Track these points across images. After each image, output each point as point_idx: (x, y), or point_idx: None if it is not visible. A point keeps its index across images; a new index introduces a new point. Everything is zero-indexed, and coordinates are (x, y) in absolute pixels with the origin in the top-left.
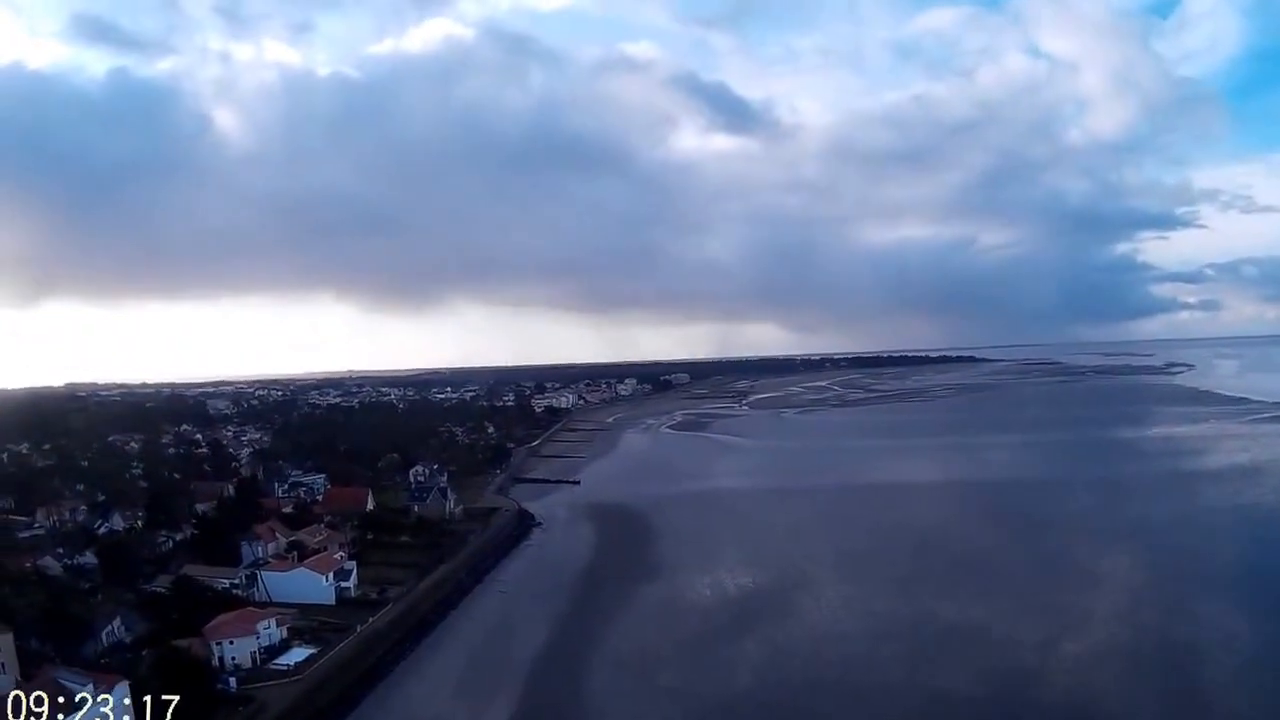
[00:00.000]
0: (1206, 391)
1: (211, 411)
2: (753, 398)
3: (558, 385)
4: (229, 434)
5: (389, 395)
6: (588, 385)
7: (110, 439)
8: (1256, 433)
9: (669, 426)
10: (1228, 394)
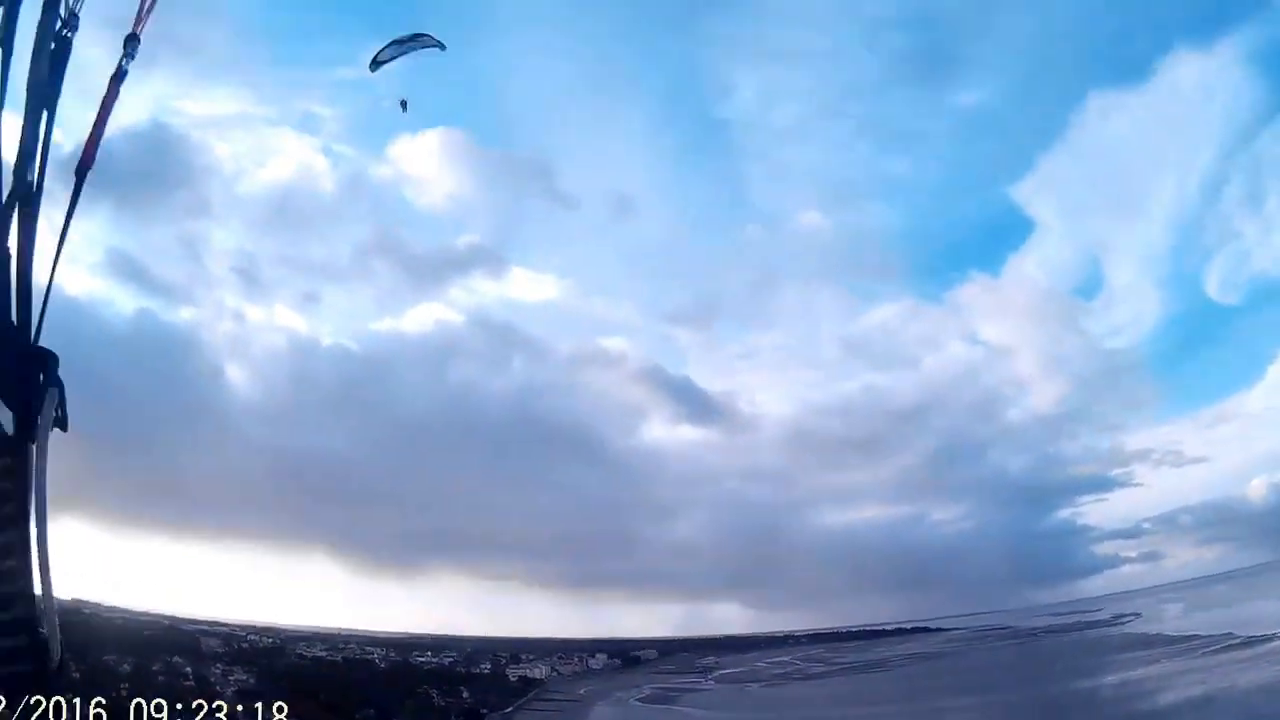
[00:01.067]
0: (1155, 635)
1: (204, 648)
2: (719, 673)
3: (532, 656)
4: (217, 671)
5: (372, 654)
6: (560, 658)
7: (105, 657)
8: (1207, 665)
9: (639, 699)
10: (1175, 634)
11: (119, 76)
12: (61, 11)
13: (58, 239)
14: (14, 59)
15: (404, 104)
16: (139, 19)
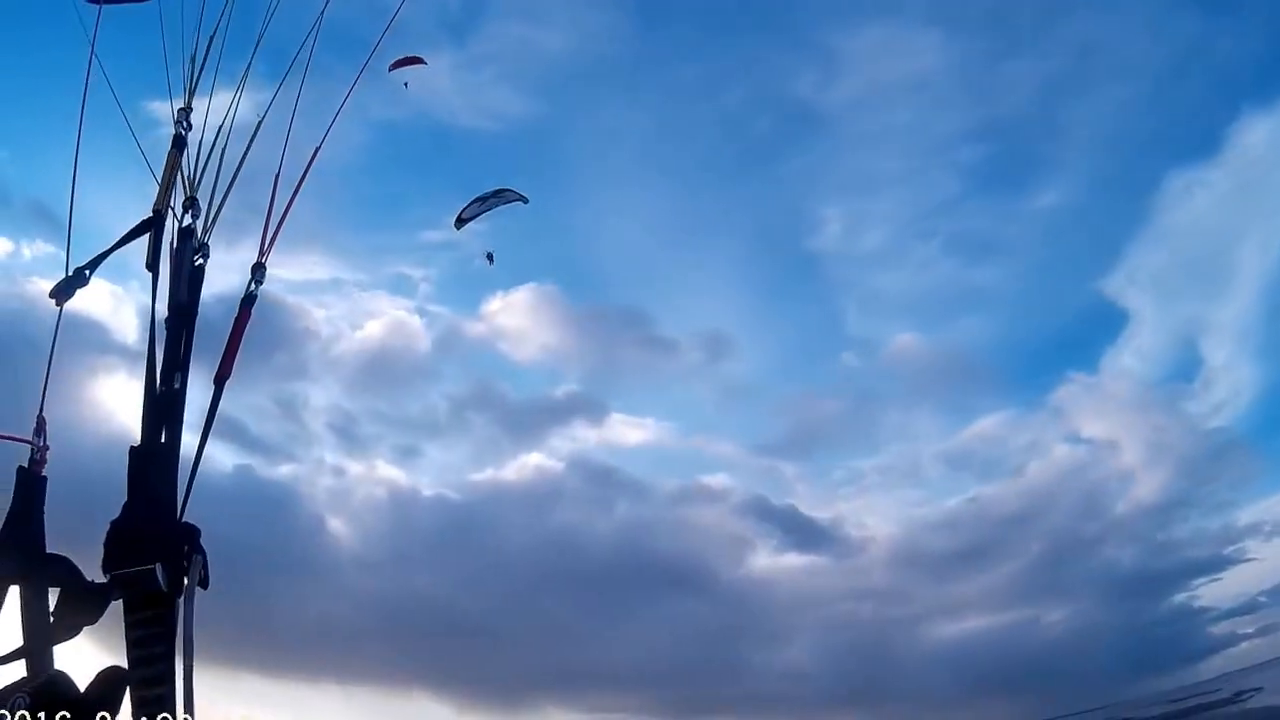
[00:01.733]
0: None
1: None
2: None
3: None
4: None
5: None
6: None
7: None
8: None
9: None
10: None
11: (249, 300)
12: (195, 242)
13: (200, 440)
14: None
15: (490, 257)
16: (263, 250)
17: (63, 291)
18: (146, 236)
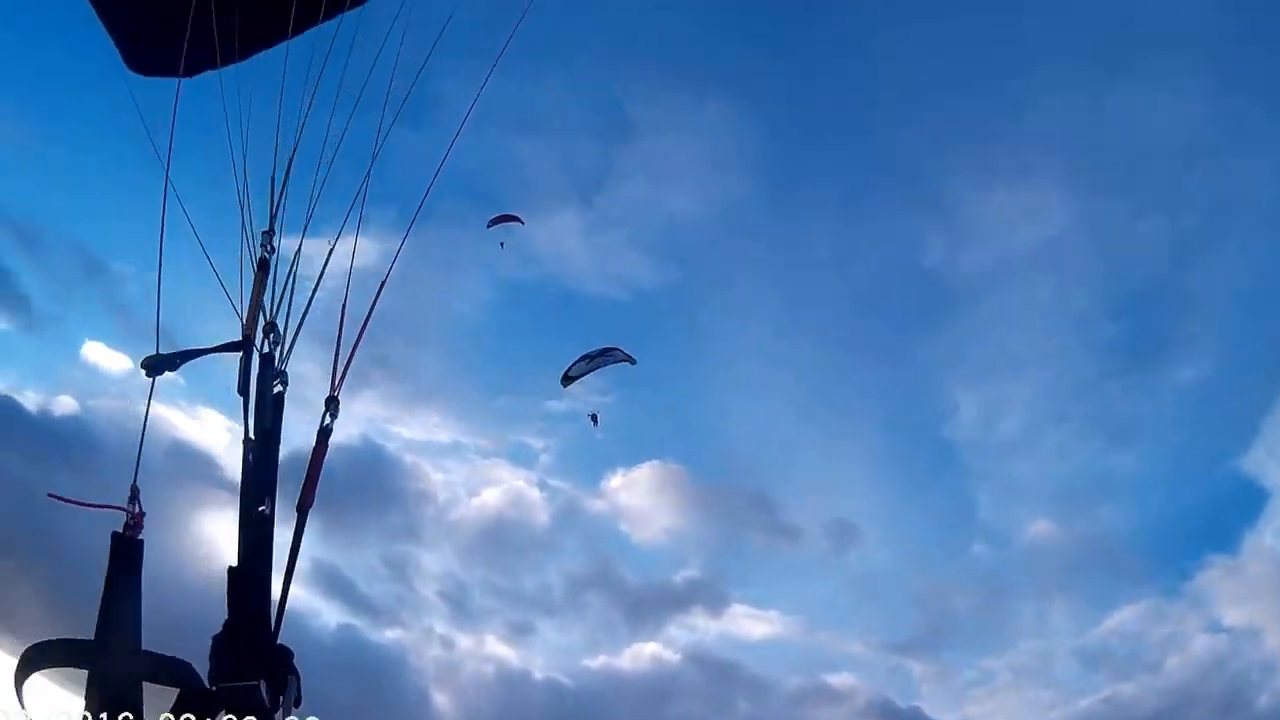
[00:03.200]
0: None
1: None
2: None
3: None
4: None
5: None
6: None
7: None
8: None
9: None
10: None
11: (325, 433)
12: (274, 371)
13: (287, 565)
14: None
15: (594, 418)
16: (334, 384)
17: (153, 367)
18: (237, 358)
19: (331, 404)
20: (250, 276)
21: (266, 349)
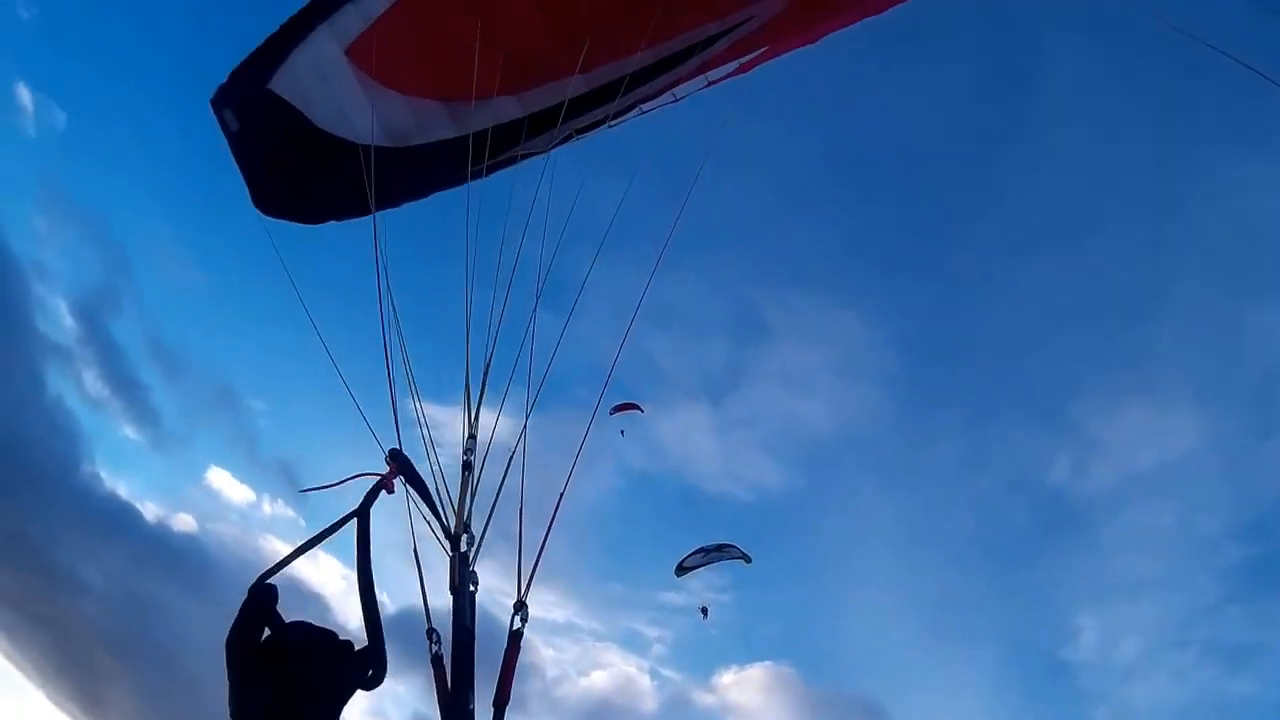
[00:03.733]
0: None
1: None
2: None
3: None
4: None
5: None
6: None
7: None
8: None
9: None
10: None
11: (516, 636)
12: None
13: None
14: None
15: (704, 611)
16: (522, 589)
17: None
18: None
19: (521, 609)
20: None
21: (464, 548)
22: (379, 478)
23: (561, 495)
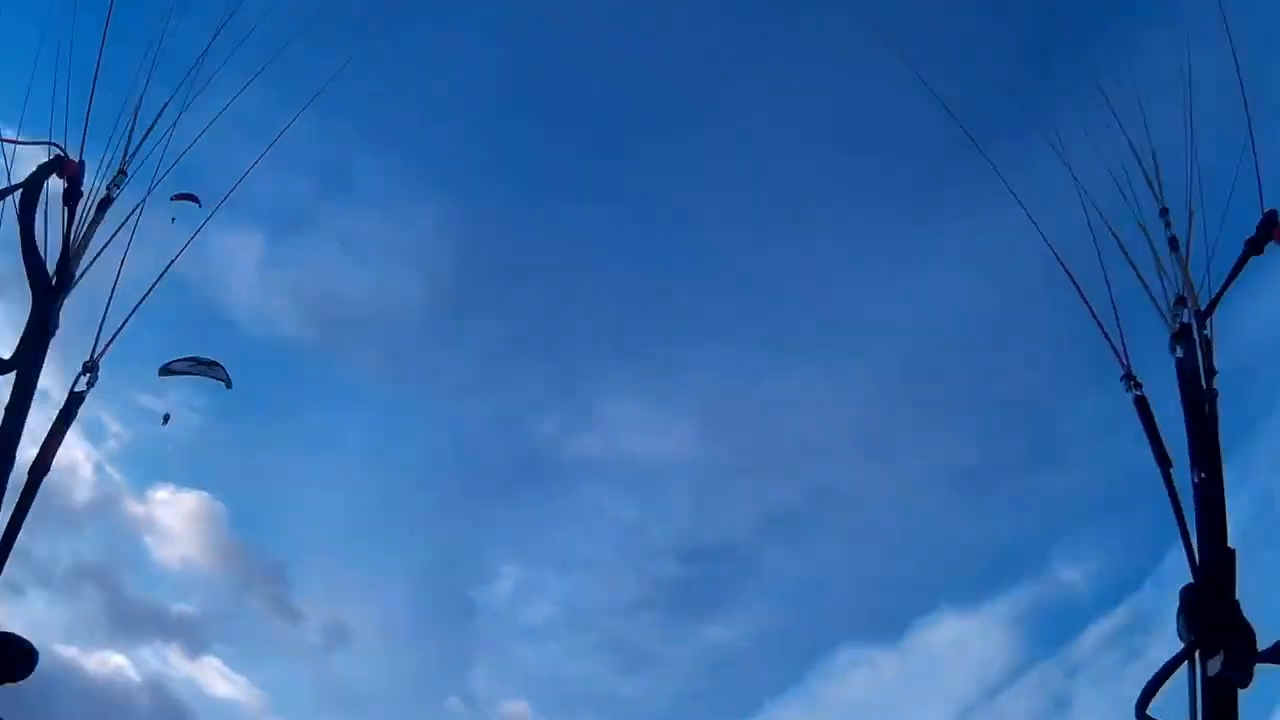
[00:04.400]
0: None
1: None
2: None
3: None
4: None
5: None
6: None
7: None
8: None
9: None
10: None
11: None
12: None
13: None
14: None
15: (166, 418)
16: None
17: None
18: None
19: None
20: None
21: None
22: None
23: None
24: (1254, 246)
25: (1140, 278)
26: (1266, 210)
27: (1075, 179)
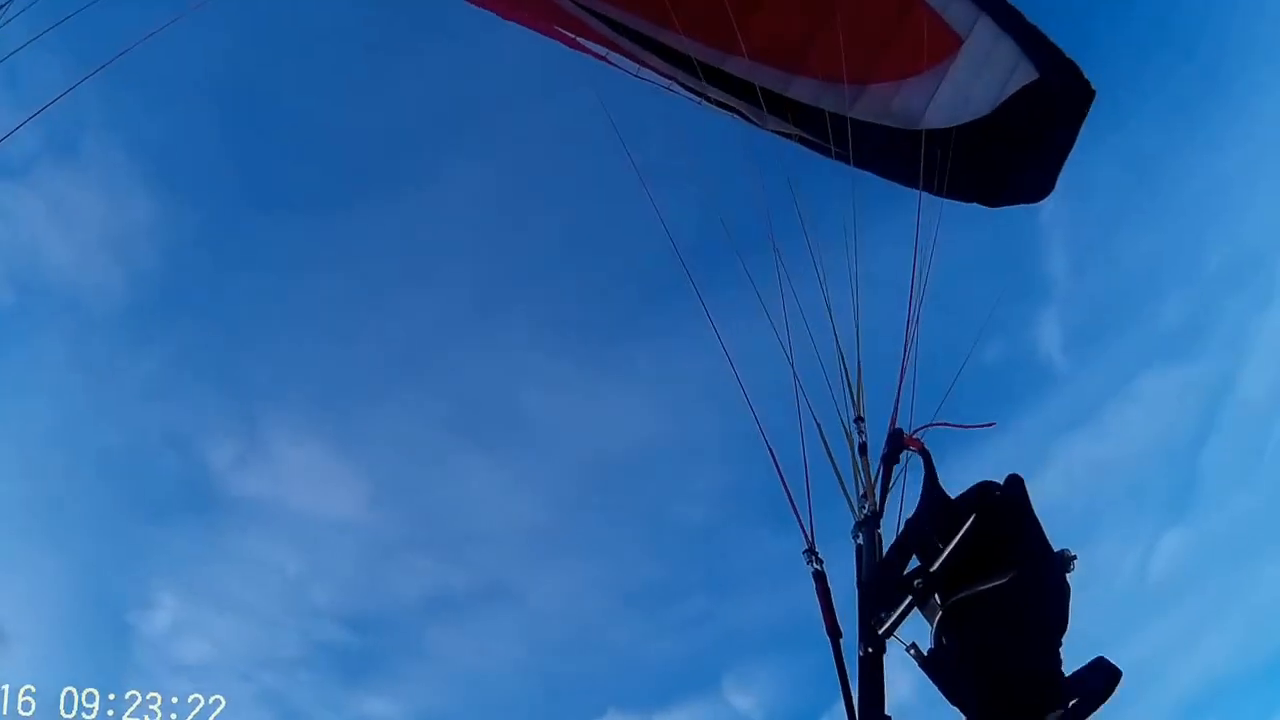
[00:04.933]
0: None
1: None
2: None
3: None
4: None
5: None
6: None
7: None
8: None
9: None
10: None
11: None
12: None
13: None
14: None
15: None
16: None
17: None
18: None
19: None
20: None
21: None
22: None
23: None
24: (890, 460)
25: (837, 473)
26: (891, 431)
27: (788, 356)
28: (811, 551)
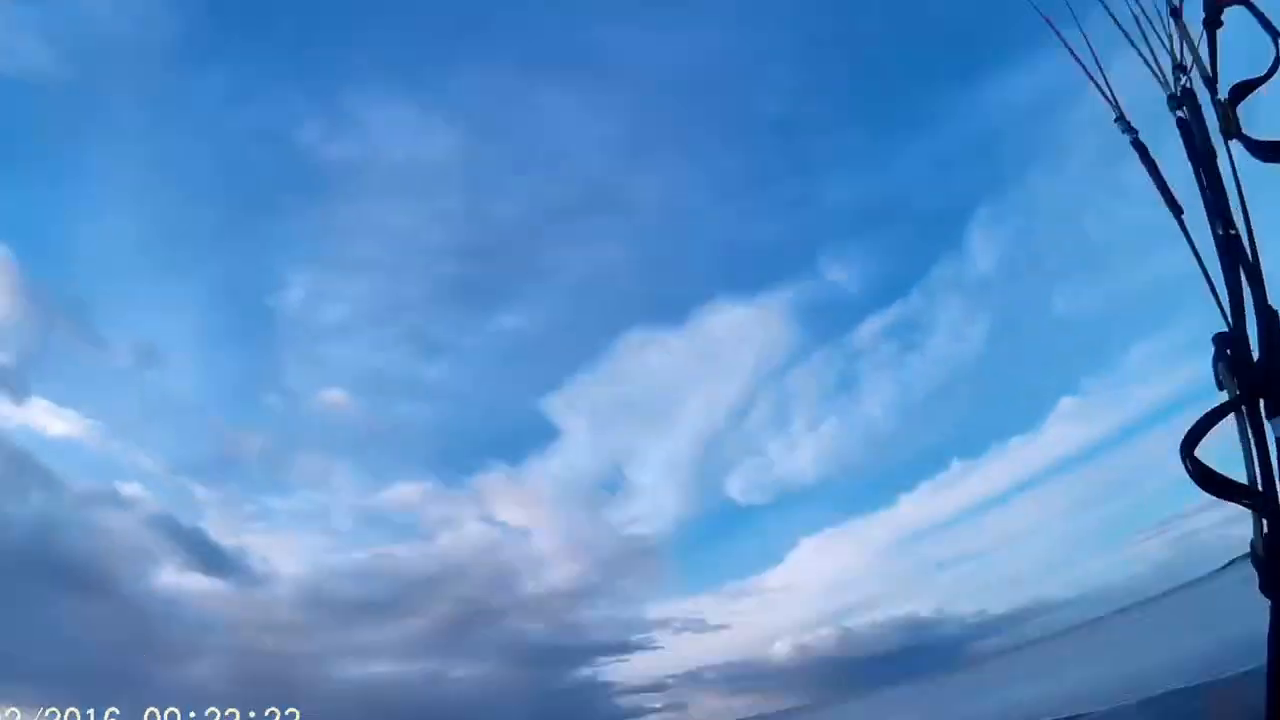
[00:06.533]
0: None
1: None
2: None
3: None
4: None
5: None
6: None
7: None
8: None
9: None
10: None
11: None
12: None
13: None
14: None
15: None
16: None
17: None
18: None
19: None
20: None
21: None
22: None
23: None
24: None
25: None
26: None
27: None
28: (1122, 119)
